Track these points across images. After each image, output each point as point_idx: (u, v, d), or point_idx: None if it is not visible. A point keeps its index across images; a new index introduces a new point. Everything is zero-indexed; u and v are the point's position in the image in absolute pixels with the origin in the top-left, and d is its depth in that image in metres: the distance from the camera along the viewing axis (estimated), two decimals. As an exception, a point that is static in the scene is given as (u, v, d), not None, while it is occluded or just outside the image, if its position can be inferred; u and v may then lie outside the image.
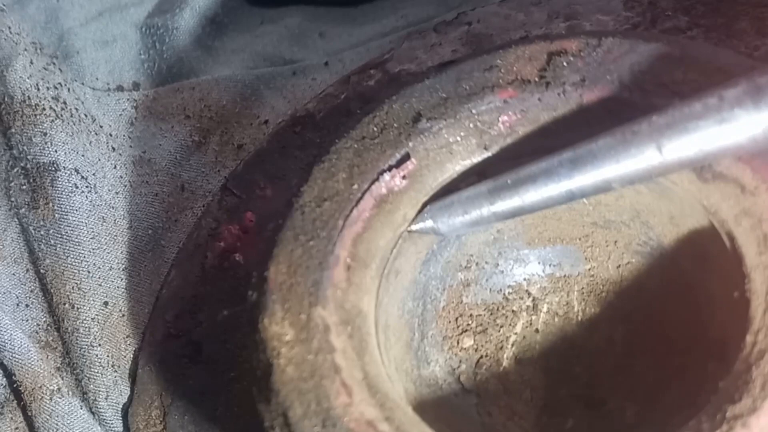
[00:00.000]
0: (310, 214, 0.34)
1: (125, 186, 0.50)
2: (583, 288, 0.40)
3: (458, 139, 0.36)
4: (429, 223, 0.35)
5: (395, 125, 0.36)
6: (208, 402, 0.42)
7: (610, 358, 0.39)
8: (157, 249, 0.48)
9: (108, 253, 0.47)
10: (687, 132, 0.29)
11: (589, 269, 0.40)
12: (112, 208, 0.48)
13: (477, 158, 0.36)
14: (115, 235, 0.48)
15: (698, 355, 0.35)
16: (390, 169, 0.35)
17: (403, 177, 0.35)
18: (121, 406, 0.45)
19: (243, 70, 0.55)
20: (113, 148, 0.51)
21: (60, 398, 0.44)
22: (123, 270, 0.48)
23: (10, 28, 0.50)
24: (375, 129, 0.36)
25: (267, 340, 0.32)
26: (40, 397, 0.44)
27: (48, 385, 0.45)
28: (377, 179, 0.35)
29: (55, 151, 0.47)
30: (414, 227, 0.35)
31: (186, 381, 0.44)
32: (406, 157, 0.35)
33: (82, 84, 0.53)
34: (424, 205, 0.36)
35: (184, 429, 0.42)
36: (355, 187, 0.35)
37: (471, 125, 0.36)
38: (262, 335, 0.32)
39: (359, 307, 0.33)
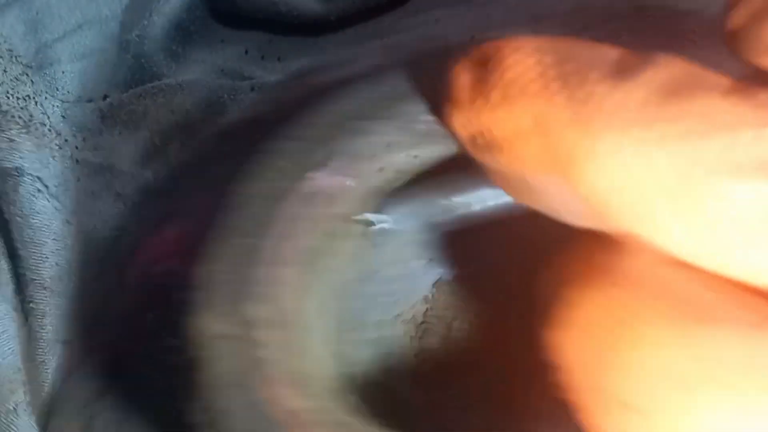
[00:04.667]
0: (241, 211, 0.35)
1: (88, 195, 0.50)
2: None
3: (388, 137, 0.36)
4: (382, 219, 0.37)
5: (324, 123, 0.36)
6: (132, 416, 0.42)
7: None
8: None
9: (72, 254, 0.47)
10: None
11: None
12: (75, 213, 0.48)
13: (407, 156, 0.37)
14: (80, 239, 0.48)
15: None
16: (317, 168, 0.36)
17: (330, 175, 0.36)
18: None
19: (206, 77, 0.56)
20: (77, 161, 0.50)
21: (15, 418, 0.43)
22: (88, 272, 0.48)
23: None
24: (303, 130, 0.36)
25: (194, 336, 0.32)
26: None
27: (7, 404, 0.43)
28: (305, 177, 0.35)
29: (21, 157, 0.47)
30: (369, 221, 0.37)
31: (108, 395, 0.43)
32: (335, 155, 0.36)
33: (53, 96, 0.53)
34: (379, 203, 0.37)
35: None
36: (283, 186, 0.35)
37: (401, 123, 0.36)
38: (188, 332, 0.32)
39: (287, 304, 0.34)
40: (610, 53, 0.29)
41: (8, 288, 0.46)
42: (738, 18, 0.28)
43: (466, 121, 0.31)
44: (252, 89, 0.54)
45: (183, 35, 0.57)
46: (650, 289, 0.26)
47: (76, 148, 0.51)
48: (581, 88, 0.28)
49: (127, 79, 0.55)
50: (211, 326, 0.32)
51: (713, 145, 0.26)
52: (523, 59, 0.30)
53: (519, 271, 0.38)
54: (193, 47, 0.57)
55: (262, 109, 0.48)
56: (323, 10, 0.58)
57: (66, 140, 0.51)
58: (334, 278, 0.38)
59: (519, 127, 0.29)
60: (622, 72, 0.28)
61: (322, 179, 0.36)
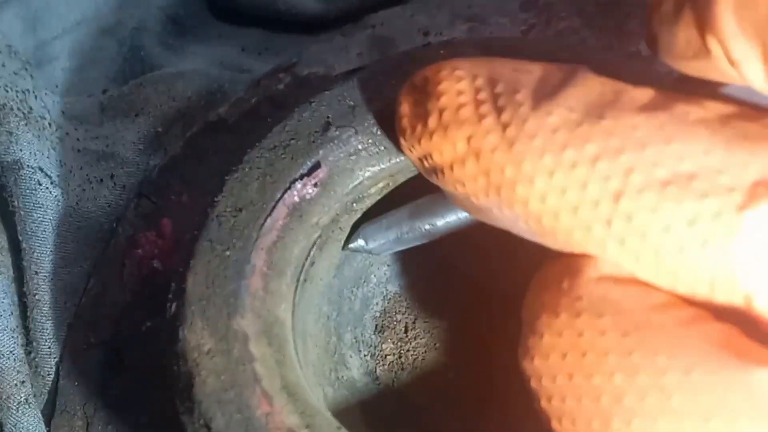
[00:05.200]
0: (225, 224, 0.35)
1: (91, 183, 0.49)
2: None
3: (366, 146, 0.37)
4: (361, 243, 0.37)
5: (306, 133, 0.37)
6: (131, 412, 0.43)
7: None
8: None
9: (75, 247, 0.47)
10: None
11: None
12: (78, 202, 0.48)
13: (385, 164, 0.37)
14: (82, 229, 0.48)
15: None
16: (302, 177, 0.36)
17: (315, 185, 0.36)
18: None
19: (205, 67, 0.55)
20: (78, 150, 0.50)
21: (27, 409, 0.44)
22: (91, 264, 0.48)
23: None
24: (286, 138, 0.37)
25: (187, 351, 0.33)
26: (7, 407, 0.44)
27: (16, 396, 0.44)
28: (289, 188, 0.36)
29: (20, 150, 0.47)
30: (350, 246, 0.38)
31: (108, 391, 0.44)
32: (317, 166, 0.36)
33: (52, 92, 0.52)
34: (357, 226, 0.38)
35: None
36: (268, 196, 0.36)
37: (378, 132, 0.37)
38: (182, 346, 0.33)
39: (277, 315, 0.34)
40: (535, 71, 0.30)
41: (10, 282, 0.47)
42: (653, 23, 0.28)
43: (410, 147, 0.32)
44: (251, 80, 0.54)
45: (179, 30, 0.57)
46: (605, 318, 0.27)
47: (77, 140, 0.51)
48: (507, 110, 0.29)
49: (126, 73, 0.55)
50: (201, 341, 0.33)
51: (640, 163, 0.27)
52: (456, 84, 0.31)
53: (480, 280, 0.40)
54: (190, 42, 0.57)
55: (244, 108, 0.49)
56: (321, 9, 0.58)
57: (67, 133, 0.51)
58: (323, 284, 0.39)
59: (455, 152, 0.30)
60: (544, 91, 0.29)
61: (308, 189, 0.36)
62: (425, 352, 0.41)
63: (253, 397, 0.31)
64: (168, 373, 0.34)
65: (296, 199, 0.36)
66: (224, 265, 0.34)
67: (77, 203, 0.48)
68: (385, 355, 0.41)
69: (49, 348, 0.46)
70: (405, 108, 0.32)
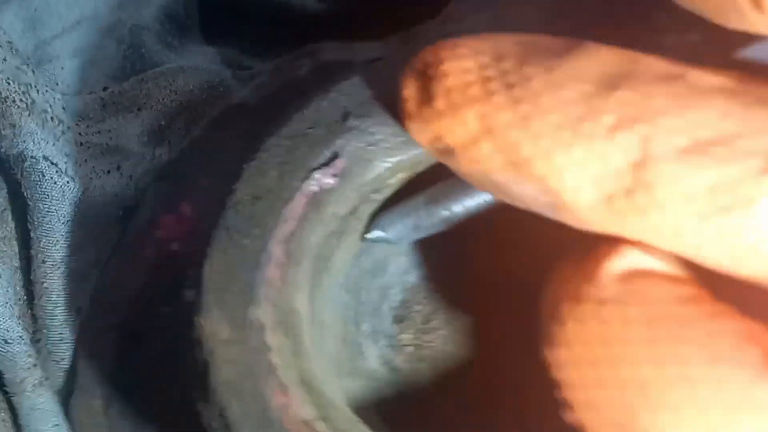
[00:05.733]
0: (243, 212, 0.35)
1: (98, 174, 0.50)
2: None
3: (386, 136, 0.37)
4: (379, 233, 0.37)
5: (324, 122, 0.36)
6: (147, 395, 0.43)
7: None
8: None
9: (83, 235, 0.48)
10: None
11: None
12: (85, 191, 0.49)
13: (405, 155, 0.37)
14: (89, 218, 0.48)
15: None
16: (320, 167, 0.36)
17: (334, 175, 0.36)
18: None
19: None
20: (81, 144, 0.51)
21: (42, 390, 0.45)
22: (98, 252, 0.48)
23: None
24: (304, 127, 0.37)
25: (203, 339, 0.33)
26: (22, 390, 0.44)
27: (29, 379, 0.45)
28: (308, 177, 0.36)
29: (23, 141, 0.47)
30: (368, 236, 0.37)
31: (126, 373, 0.44)
32: (336, 156, 0.36)
33: (53, 90, 0.53)
34: (375, 216, 0.37)
35: (127, 420, 0.43)
36: (287, 185, 0.35)
37: (396, 122, 0.37)
38: (198, 334, 0.33)
39: (293, 305, 0.34)
40: (540, 44, 0.29)
41: (13, 271, 0.47)
42: None
43: (418, 131, 0.31)
44: (253, 77, 0.54)
45: (178, 28, 0.56)
46: (631, 308, 0.26)
47: (80, 134, 0.51)
48: (518, 86, 0.28)
49: (126, 70, 0.55)
50: (219, 330, 0.33)
51: (658, 132, 0.26)
52: (461, 63, 0.30)
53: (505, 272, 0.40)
54: (189, 40, 0.57)
55: (265, 92, 0.48)
56: (319, 8, 0.58)
57: (69, 127, 0.51)
58: (340, 275, 0.39)
59: (468, 132, 0.29)
60: (553, 64, 0.28)
61: (326, 179, 0.36)
62: (444, 343, 0.41)
63: (268, 387, 0.31)
64: (184, 359, 0.34)
65: (315, 189, 0.36)
66: (242, 253, 0.34)
67: (84, 192, 0.49)
68: (403, 346, 0.41)
69: (60, 334, 0.46)
70: (410, 92, 0.32)
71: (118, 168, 0.50)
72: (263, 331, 0.33)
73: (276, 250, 0.35)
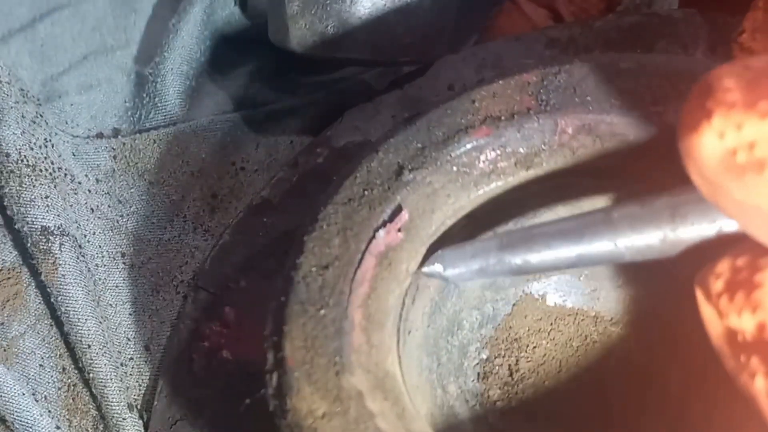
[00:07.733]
0: (313, 284, 0.33)
1: (103, 256, 0.49)
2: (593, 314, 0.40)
3: (443, 184, 0.36)
4: (438, 268, 0.35)
5: (378, 182, 0.36)
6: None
7: (632, 379, 0.39)
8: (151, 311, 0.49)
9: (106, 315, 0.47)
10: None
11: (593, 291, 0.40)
12: (100, 268, 0.48)
13: (464, 201, 0.36)
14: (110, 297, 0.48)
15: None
16: (384, 224, 0.35)
17: (399, 230, 0.35)
18: None
19: (217, 114, 0.55)
20: (92, 210, 0.50)
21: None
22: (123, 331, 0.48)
23: (0, 79, 0.49)
24: (359, 190, 0.36)
25: (300, 420, 0.31)
26: None
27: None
28: (374, 237, 0.34)
29: (51, 215, 0.47)
30: (424, 269, 0.35)
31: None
32: (399, 210, 0.35)
33: (63, 131, 0.52)
34: (433, 249, 0.35)
35: None
36: (353, 248, 0.34)
37: (453, 169, 0.36)
38: (292, 416, 0.31)
39: (386, 368, 0.32)
40: None
41: (52, 353, 0.46)
42: None
43: (723, 132, 0.25)
44: (266, 117, 0.54)
45: (195, 66, 0.56)
46: None
47: (89, 192, 0.50)
48: None
49: (142, 117, 0.54)
50: (314, 406, 0.30)
51: None
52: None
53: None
54: (205, 77, 0.57)
55: (285, 187, 0.48)
56: None
57: (80, 183, 0.50)
58: (419, 335, 0.37)
59: None
60: None
61: (392, 236, 0.35)
62: (534, 392, 0.39)
63: None
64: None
65: (382, 247, 0.34)
66: (321, 324, 0.32)
67: (99, 268, 0.48)
68: (495, 402, 0.39)
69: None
70: (727, 82, 0.25)
71: (123, 255, 0.50)
72: (362, 398, 0.31)
73: (356, 315, 0.33)
